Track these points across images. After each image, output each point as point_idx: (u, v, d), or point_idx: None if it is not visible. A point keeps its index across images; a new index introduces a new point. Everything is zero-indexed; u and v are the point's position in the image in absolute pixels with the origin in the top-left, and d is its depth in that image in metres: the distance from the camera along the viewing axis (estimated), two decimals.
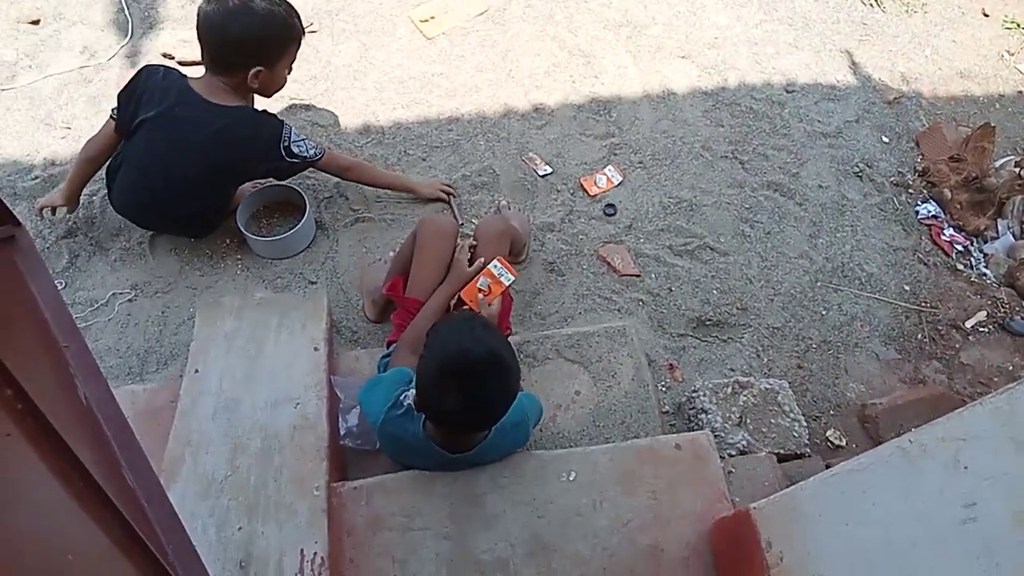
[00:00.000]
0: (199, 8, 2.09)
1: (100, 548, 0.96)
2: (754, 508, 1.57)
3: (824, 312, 2.56)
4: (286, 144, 2.22)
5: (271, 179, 2.43)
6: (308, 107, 2.83)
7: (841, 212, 2.83)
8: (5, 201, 1.15)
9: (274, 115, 2.26)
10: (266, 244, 2.39)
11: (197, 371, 1.93)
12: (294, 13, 2.15)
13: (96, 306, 2.28)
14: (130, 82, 2.22)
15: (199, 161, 2.17)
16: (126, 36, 2.97)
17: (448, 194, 2.63)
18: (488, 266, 2.00)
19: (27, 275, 1.23)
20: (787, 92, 3.16)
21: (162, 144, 2.16)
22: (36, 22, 3.01)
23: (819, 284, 2.62)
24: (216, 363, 1.94)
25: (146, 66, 2.26)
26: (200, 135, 2.14)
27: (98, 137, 2.32)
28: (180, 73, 2.22)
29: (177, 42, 2.88)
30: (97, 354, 2.01)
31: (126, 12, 3.06)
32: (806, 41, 3.38)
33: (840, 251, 2.72)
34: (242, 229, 2.37)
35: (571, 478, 1.78)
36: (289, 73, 2.27)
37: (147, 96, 2.17)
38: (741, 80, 3.15)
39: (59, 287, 2.08)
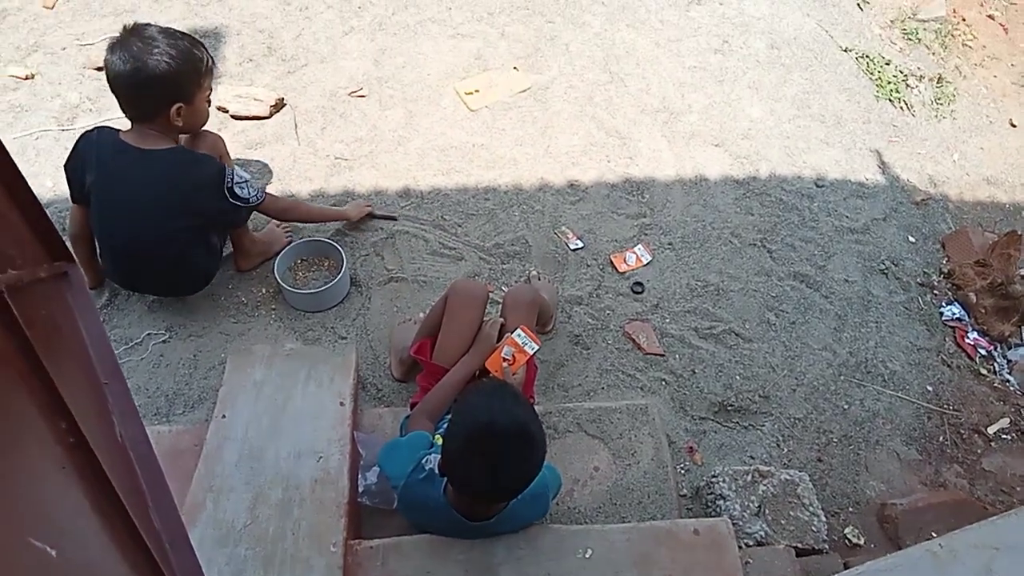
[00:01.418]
0: (104, 60, 2.03)
1: None
2: None
3: (846, 406, 2.57)
4: (229, 185, 2.18)
5: (308, 235, 2.52)
6: (351, 167, 2.92)
7: (866, 308, 2.86)
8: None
9: (205, 158, 2.22)
10: (301, 297, 2.44)
11: (224, 416, 1.96)
12: (197, 43, 2.10)
13: (131, 344, 2.33)
14: (71, 152, 2.18)
15: (153, 213, 2.13)
16: None
17: (369, 208, 2.74)
18: (512, 335, 2.02)
19: (76, 312, 1.28)
20: (817, 186, 3.23)
21: (113, 206, 2.13)
22: (100, 68, 3.16)
23: (842, 378, 2.63)
24: (243, 410, 1.96)
25: (83, 133, 2.19)
26: (145, 186, 2.10)
27: (72, 216, 2.29)
28: (111, 129, 2.16)
29: (232, 97, 3.01)
30: None
31: None
32: (837, 138, 3.46)
33: (864, 346, 2.74)
34: (279, 280, 2.42)
35: (587, 555, 1.77)
36: (209, 105, 2.21)
37: (88, 161, 2.13)
38: (772, 171, 3.23)
39: None
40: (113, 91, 2.06)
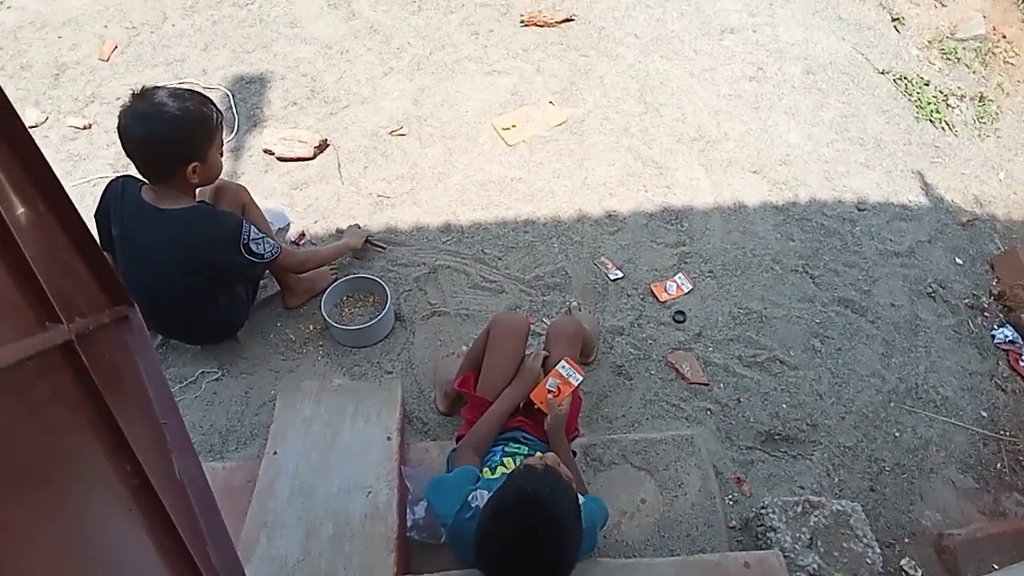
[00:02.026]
0: (117, 126, 2.03)
1: None
2: None
3: (897, 434, 2.52)
4: (245, 241, 2.18)
5: (353, 273, 2.57)
6: (393, 205, 2.99)
7: (914, 332, 2.81)
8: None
9: (222, 215, 2.23)
10: (347, 333, 2.49)
11: (275, 453, 2.00)
12: (206, 100, 2.09)
13: (185, 383, 2.40)
14: (100, 201, 2.23)
15: (169, 270, 2.16)
16: (232, 132, 3.22)
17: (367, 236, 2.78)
18: (556, 367, 2.03)
19: (136, 354, 1.33)
20: (858, 210, 3.20)
21: (131, 261, 2.18)
22: None
23: (892, 404, 2.58)
24: (294, 446, 2.01)
25: (109, 182, 2.23)
26: (161, 245, 2.13)
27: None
28: (135, 181, 2.17)
29: (277, 140, 3.10)
30: None
31: (233, 110, 3.32)
32: (877, 161, 3.43)
33: (914, 372, 2.69)
34: (326, 317, 2.48)
35: None
36: (222, 156, 2.21)
37: (113, 213, 2.18)
38: (812, 196, 3.21)
39: None
40: (128, 155, 2.08)
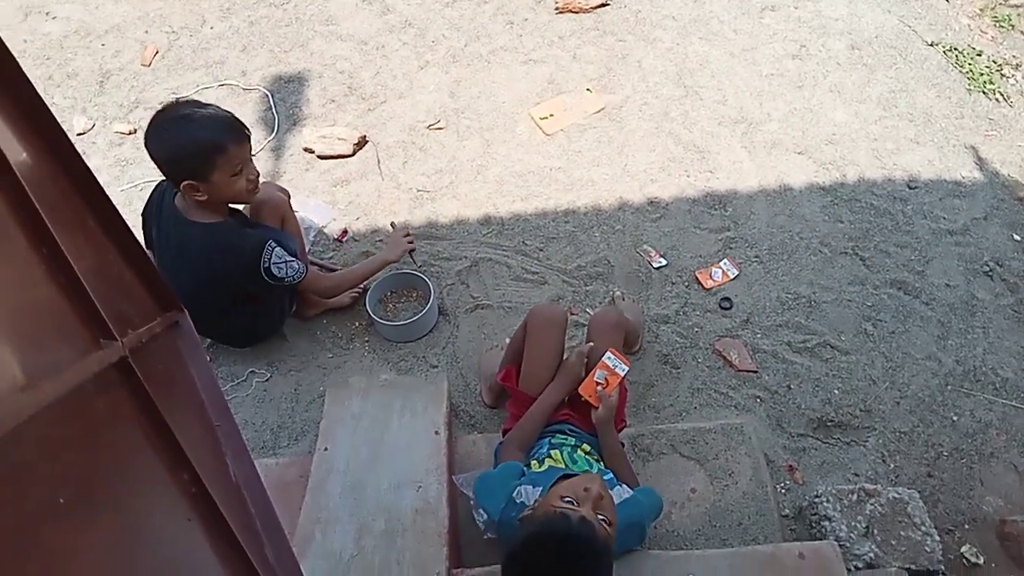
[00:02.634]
0: None
1: None
2: None
3: (955, 418, 2.44)
4: (266, 266, 2.15)
5: (395, 269, 2.59)
6: (433, 199, 2.99)
7: (971, 313, 2.72)
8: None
9: (260, 232, 2.20)
10: (392, 328, 2.51)
11: (326, 449, 2.03)
12: (218, 126, 2.01)
13: (236, 382, 2.45)
14: (147, 201, 2.29)
15: (191, 280, 2.16)
16: (272, 132, 3.26)
17: (411, 243, 2.60)
18: (603, 358, 2.01)
19: (188, 358, 1.34)
20: (909, 188, 3.11)
21: (161, 264, 2.21)
22: None
23: (949, 388, 2.51)
24: (343, 442, 2.03)
25: (157, 184, 2.27)
26: (184, 256, 2.17)
27: None
28: (173, 188, 2.15)
29: (317, 138, 3.13)
30: None
31: (273, 110, 3.36)
32: (928, 137, 3.33)
33: (971, 354, 2.60)
34: (371, 313, 2.50)
35: None
36: (237, 176, 2.07)
37: (153, 214, 2.25)
38: (860, 176, 3.13)
39: None
40: None
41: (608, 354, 2.00)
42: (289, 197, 2.55)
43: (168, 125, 2.00)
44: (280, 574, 1.25)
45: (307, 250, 2.65)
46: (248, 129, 2.09)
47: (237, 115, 2.08)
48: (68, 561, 0.58)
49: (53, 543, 0.56)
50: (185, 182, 2.02)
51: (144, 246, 2.29)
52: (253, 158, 2.14)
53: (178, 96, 3.43)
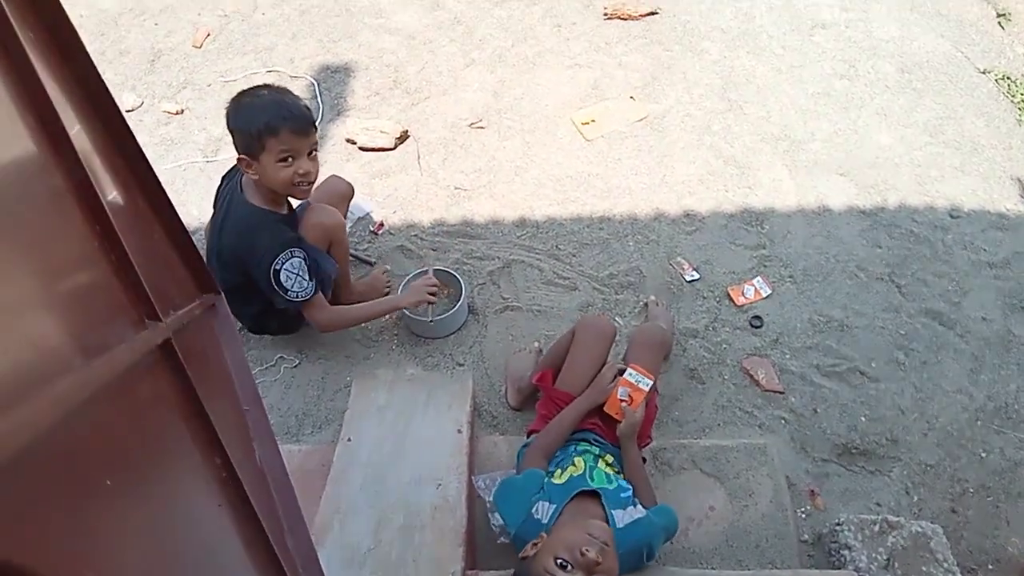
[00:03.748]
0: None
1: None
2: None
3: (984, 455, 2.41)
4: (277, 267, 2.12)
5: (428, 265, 2.60)
6: (470, 197, 3.01)
7: (1007, 348, 2.67)
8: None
9: (295, 238, 2.19)
10: (422, 323, 2.53)
11: (350, 440, 2.05)
12: (271, 107, 2.01)
13: (265, 367, 2.49)
14: (222, 176, 2.34)
15: (219, 259, 2.20)
16: (316, 120, 3.29)
17: (432, 293, 2.44)
18: (624, 375, 2.00)
19: (222, 342, 1.36)
20: (951, 217, 3.06)
21: (210, 245, 2.26)
22: None
23: (979, 423, 2.47)
24: (368, 434, 2.05)
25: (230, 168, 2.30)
26: (222, 232, 2.19)
27: None
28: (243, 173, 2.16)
29: (360, 129, 3.16)
30: None
31: (318, 99, 3.39)
32: (974, 166, 3.27)
33: (1004, 390, 2.56)
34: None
35: None
36: (285, 168, 2.05)
37: (222, 191, 2.29)
38: (902, 202, 3.09)
39: None
40: None
41: (629, 370, 2.00)
42: (352, 192, 2.57)
43: (244, 98, 2.05)
44: (299, 562, 1.27)
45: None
46: (315, 126, 2.10)
47: None
48: (112, 543, 0.60)
49: (99, 525, 0.58)
50: (240, 156, 2.07)
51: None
52: (313, 158, 2.12)
53: (226, 80, 3.49)
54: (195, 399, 0.98)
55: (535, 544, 1.61)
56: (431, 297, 2.42)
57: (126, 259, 0.83)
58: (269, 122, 2.00)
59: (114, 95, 0.86)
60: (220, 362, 1.31)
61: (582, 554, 1.49)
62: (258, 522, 1.09)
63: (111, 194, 0.95)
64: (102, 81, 0.85)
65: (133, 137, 0.95)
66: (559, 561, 1.50)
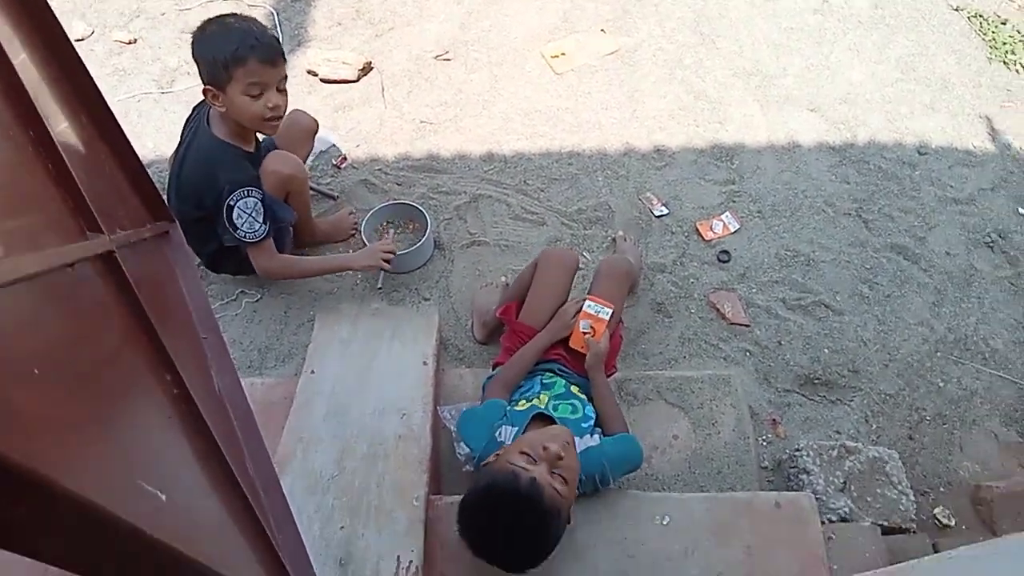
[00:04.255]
0: None
1: (227, 533, 1.02)
2: None
3: (942, 384, 2.45)
4: (231, 203, 2.06)
5: (393, 199, 2.54)
6: (436, 131, 2.95)
7: (968, 282, 2.71)
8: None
9: (249, 171, 2.13)
10: None
11: (313, 372, 2.03)
12: (248, 39, 1.93)
13: (226, 300, 2.44)
14: (191, 109, 2.28)
15: (180, 190, 2.16)
16: None
17: (386, 260, 2.32)
18: (584, 308, 2.00)
19: (177, 269, 1.33)
20: (919, 154, 3.06)
21: (172, 174, 2.21)
22: None
23: (939, 355, 2.51)
24: (331, 366, 2.03)
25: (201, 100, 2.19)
26: (183, 163, 2.13)
27: None
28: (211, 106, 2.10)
29: (322, 60, 3.06)
30: None
31: (278, 29, 3.28)
32: (943, 103, 3.27)
33: (964, 323, 2.60)
34: (366, 241, 2.48)
35: (665, 522, 1.76)
36: (254, 102, 2.00)
37: (188, 123, 2.23)
38: (871, 138, 3.08)
39: None
40: None
41: (588, 302, 2.00)
42: (317, 127, 2.49)
43: (209, 26, 1.98)
44: (259, 483, 1.26)
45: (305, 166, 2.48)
46: (284, 57, 2.03)
47: None
48: (43, 430, 0.58)
49: (25, 409, 0.56)
50: (206, 87, 2.00)
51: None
52: (283, 91, 2.05)
53: (181, 8, 3.35)
54: (141, 314, 0.96)
55: (497, 455, 1.62)
56: (385, 264, 2.32)
57: (66, 171, 0.83)
58: (237, 51, 1.93)
59: (62, 23, 0.84)
60: (174, 288, 1.29)
61: (544, 448, 1.54)
62: (215, 442, 1.07)
63: (60, 125, 0.92)
64: (49, 8, 0.82)
65: (83, 66, 0.92)
66: (523, 454, 1.55)
